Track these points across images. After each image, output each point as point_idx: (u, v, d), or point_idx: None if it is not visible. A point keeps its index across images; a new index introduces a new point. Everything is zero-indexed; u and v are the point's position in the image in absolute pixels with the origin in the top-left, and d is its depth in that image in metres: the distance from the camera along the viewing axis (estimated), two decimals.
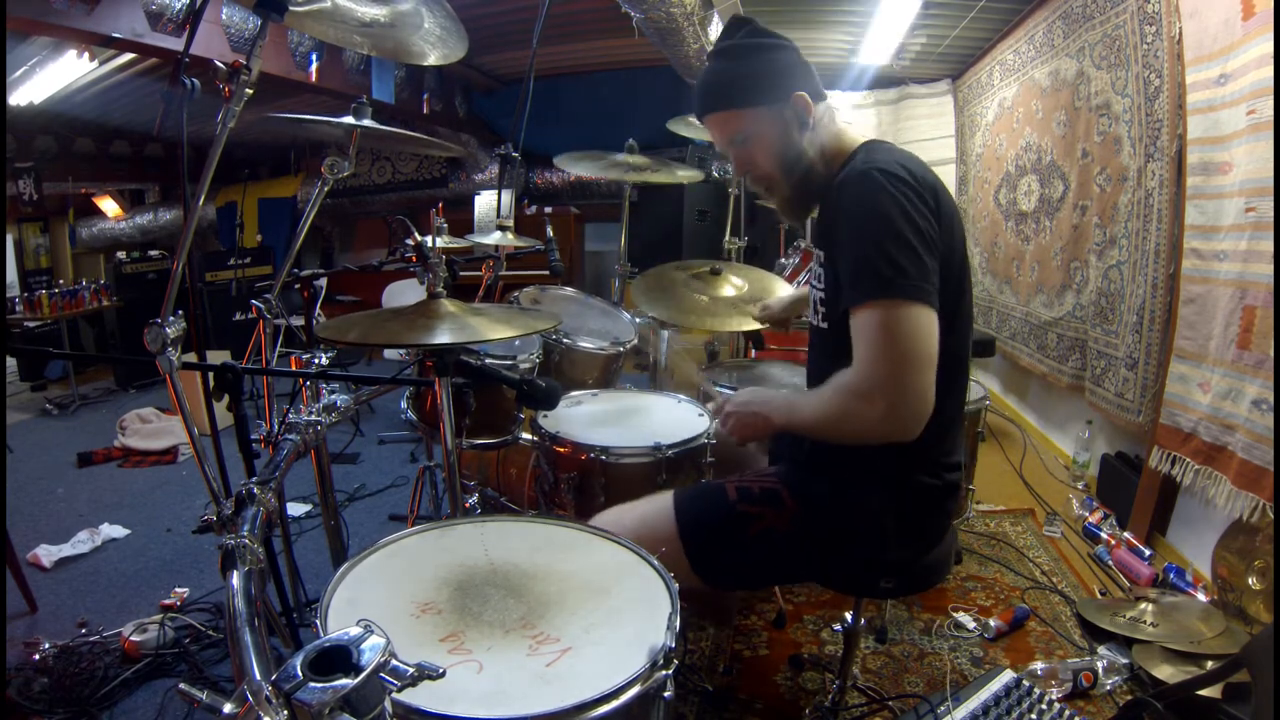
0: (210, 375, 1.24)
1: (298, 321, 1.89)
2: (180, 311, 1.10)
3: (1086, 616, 2.03)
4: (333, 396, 1.74)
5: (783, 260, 2.96)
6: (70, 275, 7.29)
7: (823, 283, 1.20)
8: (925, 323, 1.01)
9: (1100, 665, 1.79)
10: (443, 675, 0.59)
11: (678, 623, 0.86)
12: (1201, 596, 2.06)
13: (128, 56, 3.87)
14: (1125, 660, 1.82)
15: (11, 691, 1.80)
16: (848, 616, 1.48)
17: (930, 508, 1.21)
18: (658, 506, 1.26)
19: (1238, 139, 1.91)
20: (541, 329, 1.46)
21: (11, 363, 5.75)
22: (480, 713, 0.73)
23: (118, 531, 2.85)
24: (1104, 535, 2.52)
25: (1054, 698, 1.48)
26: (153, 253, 5.88)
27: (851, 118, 4.75)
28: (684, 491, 1.29)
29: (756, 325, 1.94)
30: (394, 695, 0.58)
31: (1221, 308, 2.00)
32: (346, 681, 0.54)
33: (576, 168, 2.40)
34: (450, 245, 2.66)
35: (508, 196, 2.33)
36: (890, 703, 1.74)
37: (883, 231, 1.02)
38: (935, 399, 1.03)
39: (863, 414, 1.02)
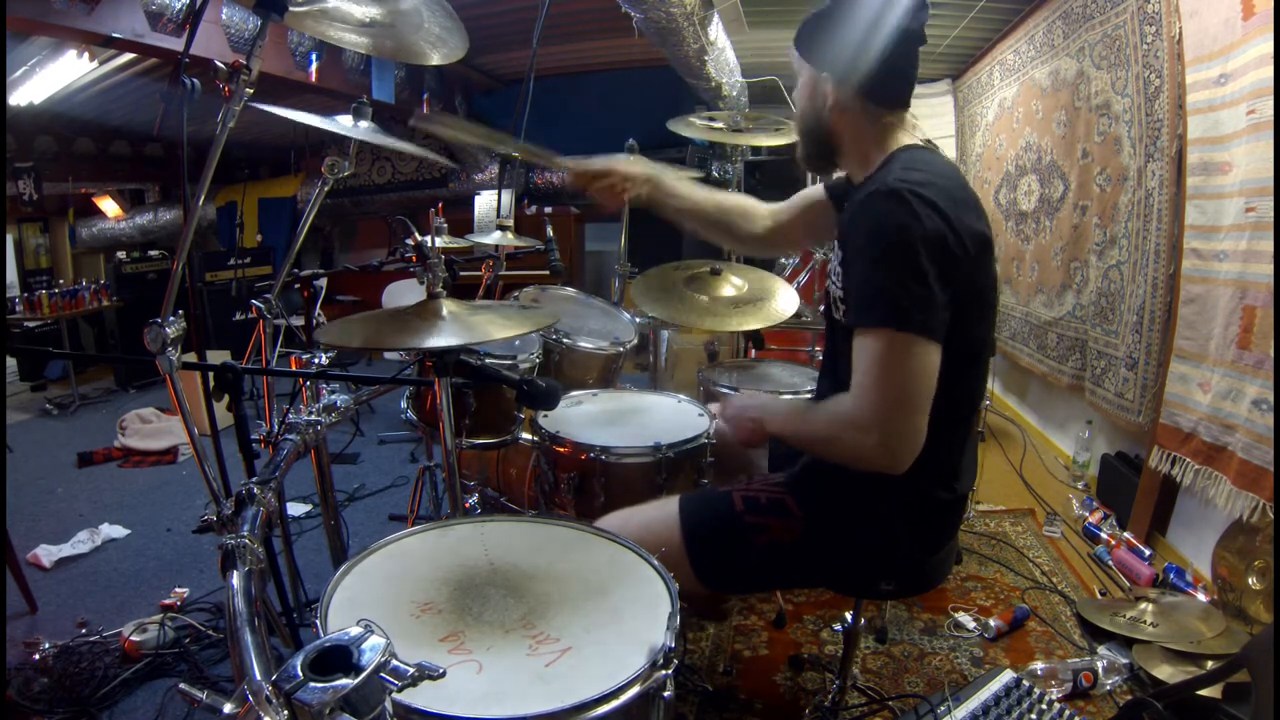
0: (210, 375, 1.24)
1: (298, 321, 1.89)
2: (180, 311, 1.10)
3: (1086, 616, 2.03)
4: (333, 396, 1.74)
5: (783, 260, 2.97)
6: (70, 275, 7.28)
7: (840, 281, 1.17)
8: (929, 361, 0.99)
9: (1100, 665, 1.79)
10: (443, 675, 0.59)
11: (678, 623, 0.86)
12: (1201, 596, 2.06)
13: (128, 56, 3.86)
14: (1125, 660, 1.82)
15: (11, 691, 1.80)
16: (848, 616, 1.48)
17: (940, 519, 1.21)
18: (662, 514, 1.26)
19: (1238, 139, 1.91)
20: (541, 328, 1.45)
21: (11, 363, 5.75)
22: (480, 713, 0.73)
23: (118, 531, 2.85)
24: (1104, 535, 2.52)
25: (1054, 698, 1.48)
26: (153, 253, 5.87)
27: None
28: (689, 499, 1.28)
29: (757, 325, 1.94)
30: (394, 695, 0.58)
31: (1221, 308, 1.99)
32: (346, 681, 0.54)
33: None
34: (450, 245, 2.66)
35: (508, 196, 2.34)
36: (890, 703, 1.74)
37: (905, 262, 0.99)
38: (958, 415, 1.03)
39: (855, 443, 1.02)
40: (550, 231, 2.29)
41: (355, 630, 0.59)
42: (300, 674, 0.55)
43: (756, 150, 4.53)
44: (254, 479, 1.19)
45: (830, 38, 1.15)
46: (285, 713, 0.54)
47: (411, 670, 0.58)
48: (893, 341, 0.99)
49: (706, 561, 1.21)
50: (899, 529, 1.17)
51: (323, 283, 4.88)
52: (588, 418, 1.77)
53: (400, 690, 0.58)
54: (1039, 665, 1.80)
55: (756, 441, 1.25)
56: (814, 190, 1.44)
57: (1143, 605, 1.97)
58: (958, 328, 1.03)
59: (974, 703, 1.40)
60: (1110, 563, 2.39)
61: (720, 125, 2.56)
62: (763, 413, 1.21)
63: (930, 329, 0.99)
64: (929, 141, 1.20)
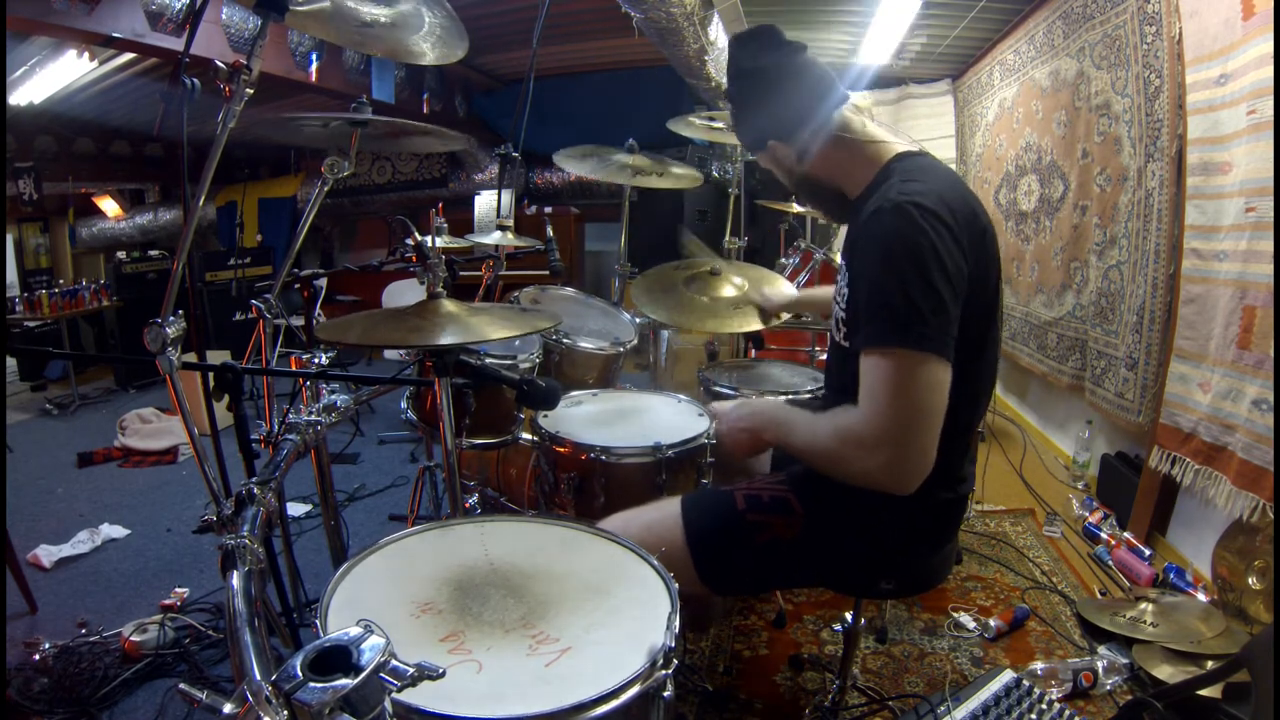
0: (210, 375, 1.24)
1: (298, 321, 1.89)
2: (180, 311, 1.10)
3: (1086, 616, 2.03)
4: (333, 396, 1.74)
5: (783, 260, 2.96)
6: (70, 275, 7.28)
7: (845, 302, 1.16)
8: (939, 379, 0.97)
9: (1100, 665, 1.79)
10: (443, 675, 0.59)
11: (678, 623, 0.86)
12: (1201, 596, 2.06)
13: (128, 56, 3.87)
14: (1125, 660, 1.82)
15: (11, 691, 1.80)
16: (848, 616, 1.48)
17: (942, 519, 1.21)
18: (664, 514, 1.26)
19: (1238, 139, 1.91)
20: (541, 329, 1.46)
21: (11, 363, 5.75)
22: (480, 713, 0.73)
23: (118, 531, 2.85)
24: (1104, 535, 2.52)
25: (1054, 698, 1.48)
26: (153, 253, 5.87)
27: None
28: (691, 499, 1.28)
29: (757, 326, 1.94)
30: (394, 695, 0.58)
31: (1221, 308, 1.99)
32: (346, 681, 0.54)
33: (577, 168, 2.39)
34: (450, 245, 2.66)
35: (508, 196, 2.33)
36: (890, 703, 1.74)
37: (911, 276, 0.97)
38: (961, 417, 1.01)
39: (861, 462, 0.99)
40: (550, 231, 2.29)
41: (355, 630, 0.59)
42: (300, 674, 0.55)
43: None
44: (254, 479, 1.19)
45: (753, 119, 1.25)
46: (285, 713, 0.54)
47: (411, 670, 0.58)
48: (903, 361, 0.97)
49: (709, 561, 1.21)
50: (900, 527, 1.17)
51: (323, 283, 4.89)
52: (588, 418, 1.77)
53: (400, 690, 0.57)
54: (1039, 665, 1.80)
55: (751, 453, 1.24)
56: None
57: (1143, 605, 1.97)
58: (965, 328, 1.02)
59: (974, 703, 1.41)
60: (1110, 563, 2.39)
61: (720, 125, 2.56)
62: (759, 422, 1.19)
63: (940, 347, 0.96)
64: (914, 142, 1.20)
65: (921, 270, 0.97)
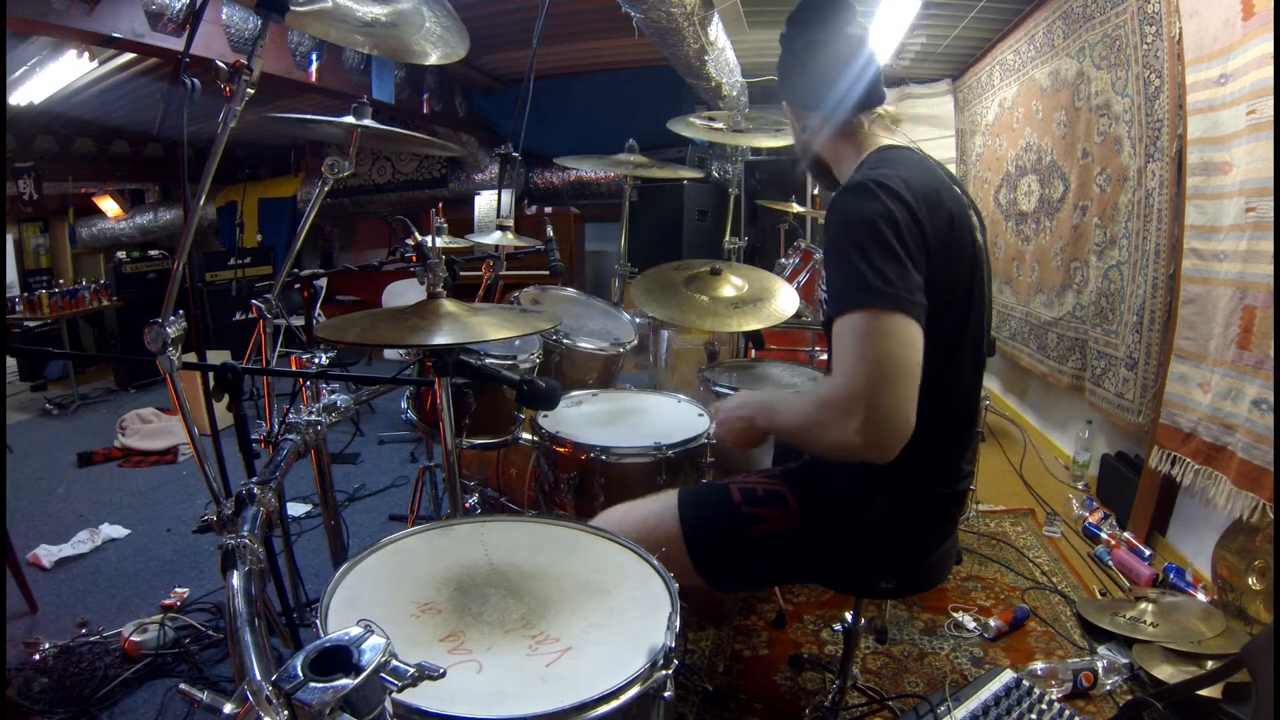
0: (210, 375, 1.24)
1: (298, 321, 1.89)
2: (180, 311, 1.10)
3: (1086, 616, 2.03)
4: (333, 396, 1.74)
5: (783, 260, 2.96)
6: (70, 275, 7.30)
7: (825, 284, 1.20)
8: (907, 334, 0.97)
9: (1100, 665, 1.79)
10: (443, 675, 0.59)
11: (678, 623, 0.86)
12: (1201, 596, 2.06)
13: (128, 56, 3.87)
14: (1125, 660, 1.82)
15: (11, 691, 1.80)
16: (848, 616, 1.48)
17: (938, 516, 1.21)
18: (661, 507, 1.26)
19: (1238, 139, 1.91)
20: (541, 329, 1.46)
21: (11, 363, 5.76)
22: (480, 713, 0.73)
23: (118, 531, 2.85)
24: (1104, 535, 2.52)
25: (1054, 698, 1.48)
26: (153, 253, 5.88)
27: None
28: (688, 492, 1.29)
29: (757, 325, 1.94)
30: (394, 695, 0.58)
31: (1221, 308, 2.00)
32: (347, 681, 0.54)
33: (577, 166, 2.40)
34: (450, 245, 2.66)
35: (508, 196, 2.33)
36: (890, 703, 1.74)
37: (869, 243, 0.99)
38: (950, 412, 1.01)
39: (838, 426, 0.97)
40: (550, 231, 2.29)
41: (355, 630, 0.59)
42: (300, 674, 0.55)
43: (756, 150, 4.53)
44: (254, 479, 1.19)
45: (786, 72, 1.27)
46: (285, 713, 0.54)
47: (411, 670, 0.58)
48: (866, 321, 0.97)
49: (705, 555, 1.21)
50: (896, 523, 1.17)
51: (323, 283, 4.90)
52: (588, 418, 1.77)
53: (400, 690, 0.58)
54: (1039, 665, 1.80)
55: (746, 442, 1.24)
56: None
57: (1143, 605, 1.97)
58: (939, 313, 1.02)
59: (974, 703, 1.41)
60: (1110, 563, 2.39)
61: (720, 125, 2.56)
62: (749, 409, 1.19)
63: (904, 305, 0.97)
64: (912, 142, 1.21)
65: (878, 237, 1.00)
